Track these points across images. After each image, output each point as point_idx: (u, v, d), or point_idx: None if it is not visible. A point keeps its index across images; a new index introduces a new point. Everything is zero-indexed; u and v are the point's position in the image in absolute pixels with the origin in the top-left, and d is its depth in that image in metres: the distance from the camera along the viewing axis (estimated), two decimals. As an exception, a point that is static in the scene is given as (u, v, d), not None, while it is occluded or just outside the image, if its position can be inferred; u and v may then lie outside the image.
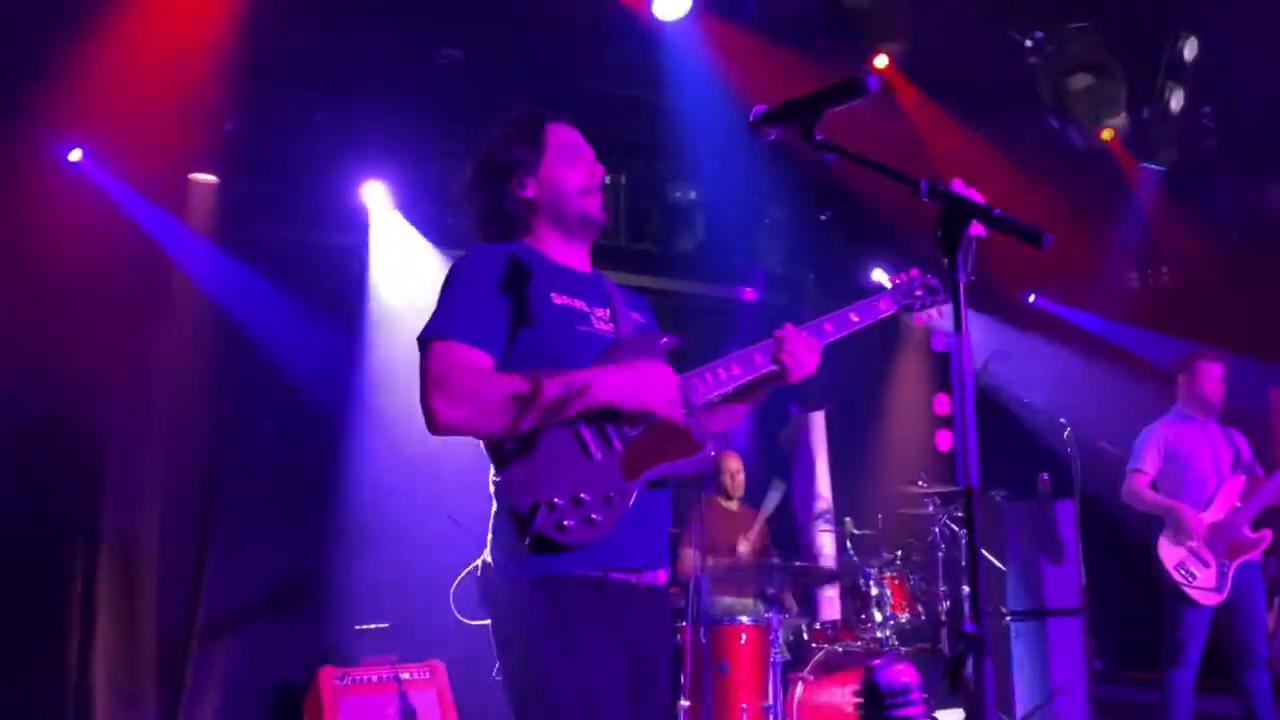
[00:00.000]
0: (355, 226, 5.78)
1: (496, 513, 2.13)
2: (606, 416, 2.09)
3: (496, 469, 2.11)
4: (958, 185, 1.73)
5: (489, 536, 2.15)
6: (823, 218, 6.51)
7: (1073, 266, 6.94)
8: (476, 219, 2.34)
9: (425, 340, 2.09)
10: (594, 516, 2.01)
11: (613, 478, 2.07)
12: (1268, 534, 4.91)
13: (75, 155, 4.97)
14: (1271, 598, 7.13)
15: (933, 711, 4.15)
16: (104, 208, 4.96)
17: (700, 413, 2.22)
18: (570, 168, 2.31)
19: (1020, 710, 5.83)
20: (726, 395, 2.31)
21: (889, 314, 2.44)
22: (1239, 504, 4.93)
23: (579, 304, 2.22)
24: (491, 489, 2.15)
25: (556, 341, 2.14)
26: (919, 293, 2.46)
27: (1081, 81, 4.88)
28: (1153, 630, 5.00)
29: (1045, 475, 6.55)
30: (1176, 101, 4.93)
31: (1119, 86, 4.82)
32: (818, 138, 1.91)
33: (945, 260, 1.68)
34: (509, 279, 2.14)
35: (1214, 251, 6.93)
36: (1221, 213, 6.32)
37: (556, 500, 2.01)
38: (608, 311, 2.27)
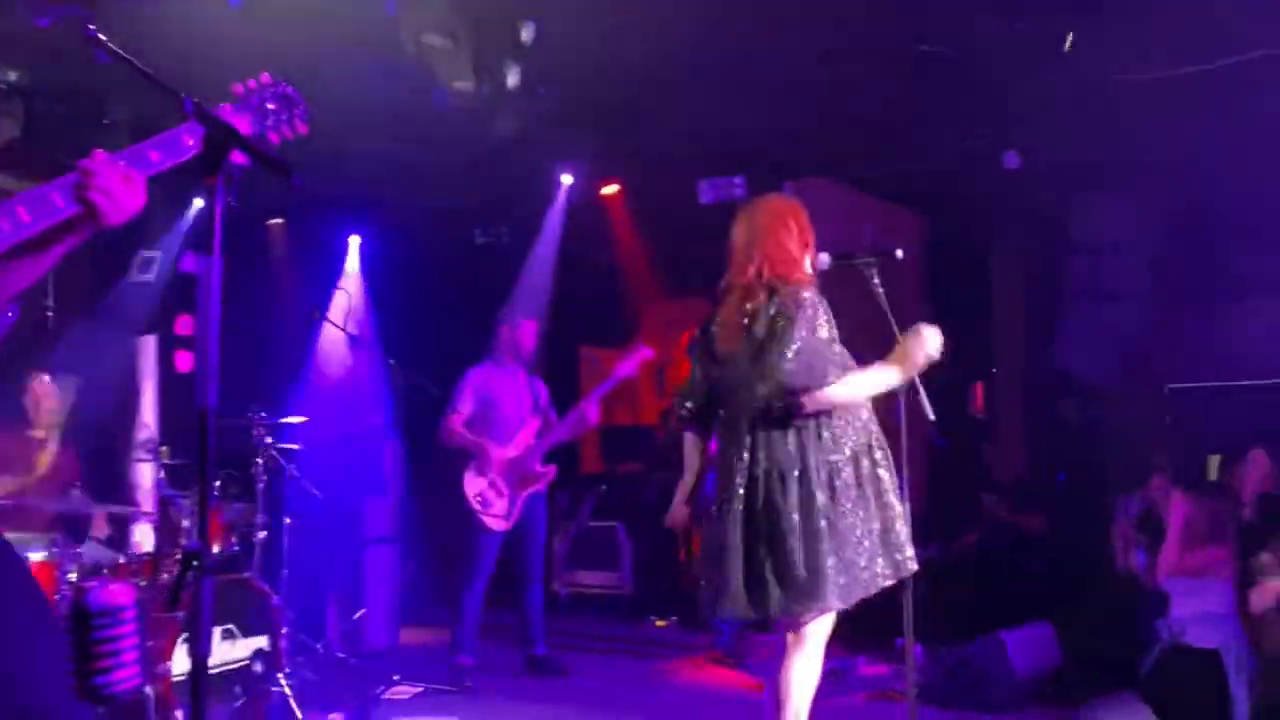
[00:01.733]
0: None
1: None
2: None
3: None
4: (225, 111, 1.74)
5: None
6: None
7: (415, 213, 7.34)
8: None
9: None
10: None
11: None
12: (553, 469, 5.66)
13: None
14: (561, 524, 8.28)
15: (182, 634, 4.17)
16: None
17: None
18: None
19: (332, 629, 6.08)
20: (19, 248, 1.82)
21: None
22: (534, 442, 5.61)
23: None
24: None
25: None
26: (271, 105, 2.10)
27: (435, 41, 5.14)
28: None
29: (379, 416, 6.89)
30: (513, 78, 5.42)
31: (467, 53, 5.17)
32: (91, 31, 1.79)
33: (206, 185, 1.68)
34: None
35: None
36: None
37: None
38: None
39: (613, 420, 9.87)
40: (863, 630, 4.35)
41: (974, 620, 5.21)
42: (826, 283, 3.44)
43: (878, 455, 3.17)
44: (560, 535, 8.20)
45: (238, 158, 1.70)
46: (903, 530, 3.15)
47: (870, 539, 3.09)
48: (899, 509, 3.16)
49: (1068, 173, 6.88)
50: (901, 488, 3.34)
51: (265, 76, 2.12)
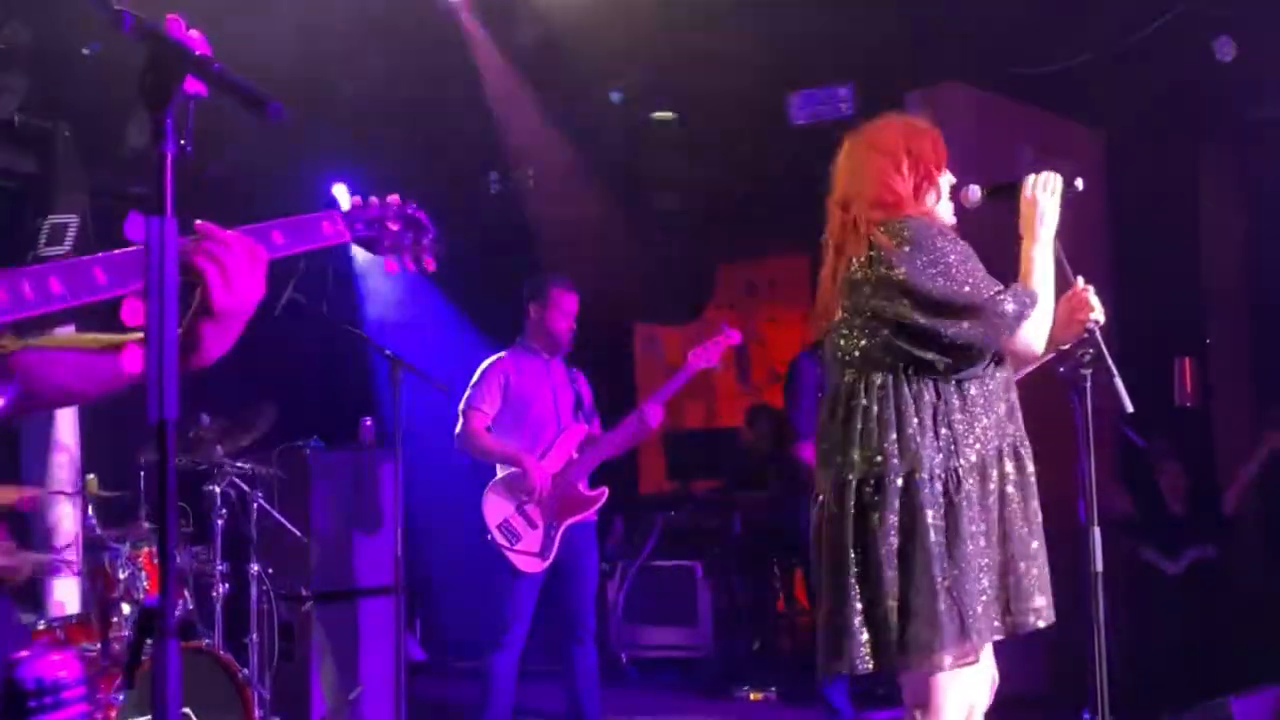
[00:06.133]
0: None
1: None
2: None
3: None
4: (175, 25, 1.77)
5: None
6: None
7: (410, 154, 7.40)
8: None
9: None
10: None
11: None
12: (605, 491, 5.68)
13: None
14: (616, 564, 8.34)
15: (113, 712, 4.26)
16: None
17: None
18: None
19: (319, 710, 6.19)
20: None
21: (338, 243, 2.25)
22: (576, 455, 5.64)
23: None
24: None
25: None
26: (394, 226, 2.34)
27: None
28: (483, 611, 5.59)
29: (369, 420, 6.97)
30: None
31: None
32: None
33: (152, 120, 1.72)
34: None
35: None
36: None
37: None
38: None
39: (682, 423, 9.90)
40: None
41: (1190, 681, 5.16)
42: (976, 224, 3.45)
43: (1009, 467, 3.20)
44: (616, 579, 8.24)
45: (194, 86, 1.73)
46: (1034, 572, 3.17)
47: (985, 578, 3.13)
48: (1033, 545, 3.18)
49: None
50: (1084, 503, 3.33)
51: (394, 198, 2.34)
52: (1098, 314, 3.29)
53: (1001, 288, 3.16)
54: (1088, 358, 3.41)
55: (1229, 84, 6.76)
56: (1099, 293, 3.35)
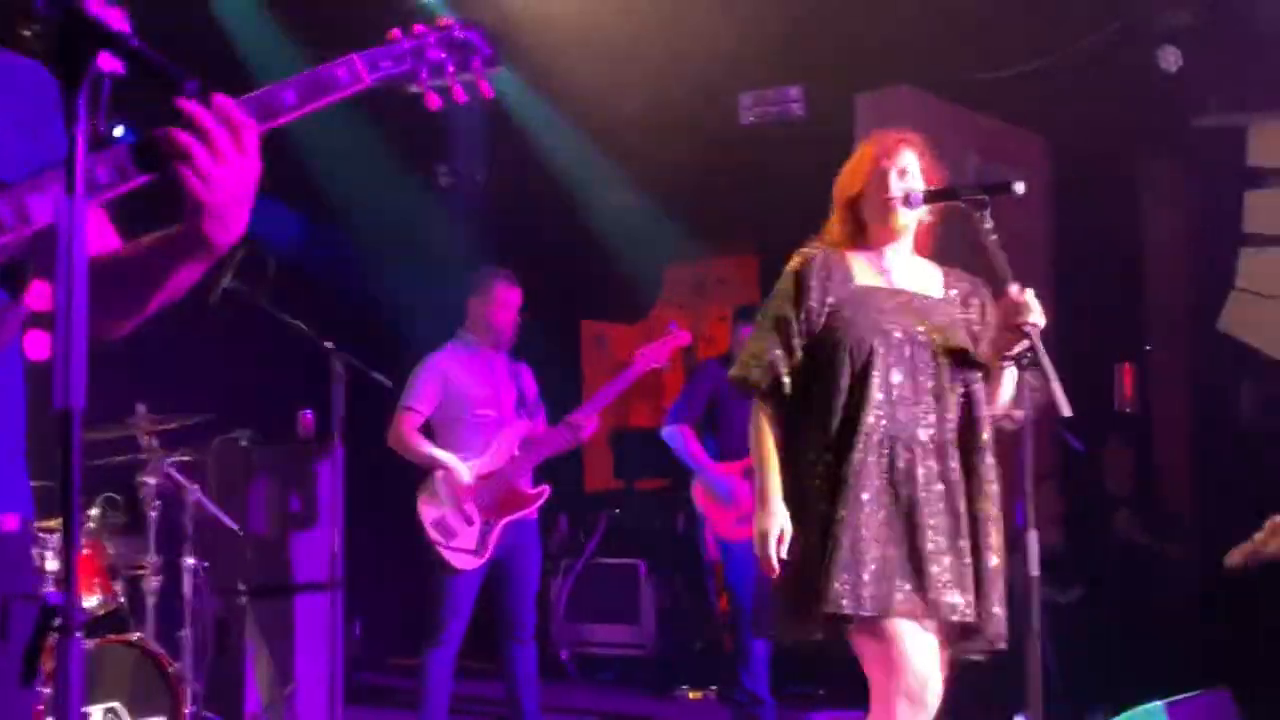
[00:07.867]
0: None
1: None
2: None
3: None
4: (92, 1, 1.70)
5: None
6: None
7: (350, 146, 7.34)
8: None
9: None
10: None
11: None
12: (546, 490, 5.62)
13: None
14: (559, 561, 8.29)
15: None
16: None
17: None
18: None
19: (253, 706, 6.11)
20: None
21: (360, 89, 1.89)
22: (518, 453, 5.58)
23: None
24: None
25: None
26: (436, 54, 1.94)
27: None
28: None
29: (310, 412, 6.86)
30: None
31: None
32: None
33: (65, 97, 1.65)
34: None
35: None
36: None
37: None
38: None
39: (628, 421, 9.85)
40: (970, 700, 4.34)
41: (1123, 684, 5.18)
42: (917, 229, 3.44)
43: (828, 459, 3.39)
44: (559, 576, 8.19)
45: (108, 63, 1.67)
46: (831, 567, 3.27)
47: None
48: (927, 545, 3.30)
49: (1245, 78, 6.79)
50: (1021, 508, 3.33)
51: (447, 20, 1.98)
52: (1036, 316, 3.26)
53: (774, 351, 3.54)
54: (1025, 361, 3.39)
55: (1173, 93, 6.81)
56: (1040, 297, 3.33)
